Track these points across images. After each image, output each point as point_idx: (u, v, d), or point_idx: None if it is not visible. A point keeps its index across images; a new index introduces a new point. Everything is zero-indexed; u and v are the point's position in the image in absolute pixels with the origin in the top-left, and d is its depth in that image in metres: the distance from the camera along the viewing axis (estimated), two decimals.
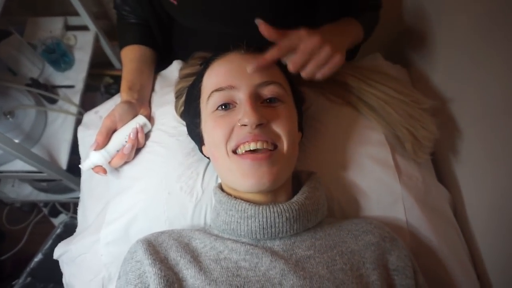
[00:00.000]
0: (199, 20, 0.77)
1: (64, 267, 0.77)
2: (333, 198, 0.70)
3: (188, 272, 0.54)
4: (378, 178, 0.70)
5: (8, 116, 1.16)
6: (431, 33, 0.85)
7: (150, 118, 0.78)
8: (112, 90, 1.58)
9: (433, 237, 0.67)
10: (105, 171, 0.71)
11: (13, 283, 1.23)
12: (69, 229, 1.20)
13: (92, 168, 0.71)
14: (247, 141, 0.55)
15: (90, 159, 0.70)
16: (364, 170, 0.71)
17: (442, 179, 0.80)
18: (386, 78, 0.77)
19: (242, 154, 0.56)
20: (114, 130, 0.72)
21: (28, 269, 1.18)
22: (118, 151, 0.71)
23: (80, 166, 0.72)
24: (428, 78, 0.86)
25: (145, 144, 0.75)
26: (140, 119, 0.74)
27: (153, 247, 0.56)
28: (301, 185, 0.64)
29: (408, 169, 0.71)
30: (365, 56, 0.90)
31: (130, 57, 0.83)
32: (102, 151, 0.70)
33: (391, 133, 0.72)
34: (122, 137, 0.71)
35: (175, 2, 0.73)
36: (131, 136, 0.71)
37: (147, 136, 0.76)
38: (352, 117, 0.75)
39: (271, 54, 0.58)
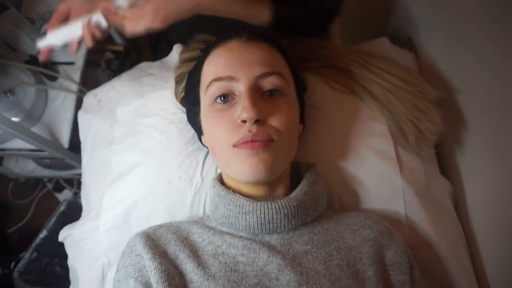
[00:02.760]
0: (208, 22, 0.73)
1: (68, 250, 0.78)
2: (333, 190, 0.70)
3: (187, 267, 0.54)
4: (379, 171, 0.69)
5: (8, 94, 1.15)
6: (441, 15, 0.81)
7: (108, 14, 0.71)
8: (113, 66, 1.54)
9: (432, 231, 0.67)
10: (51, 52, 0.72)
11: (20, 256, 1.27)
12: (72, 207, 1.22)
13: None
14: (247, 142, 0.54)
15: (46, 39, 0.71)
16: (365, 162, 0.70)
17: (445, 170, 0.79)
18: (392, 66, 0.74)
19: (241, 144, 0.55)
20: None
21: (33, 245, 1.21)
22: (70, 39, 0.70)
23: (36, 43, 0.72)
24: (436, 64, 0.83)
25: (143, 129, 0.74)
26: (96, 15, 0.69)
27: (152, 241, 0.57)
28: (300, 177, 0.64)
29: (410, 162, 0.70)
30: (372, 40, 0.87)
31: None
32: (56, 32, 0.70)
33: (395, 125, 0.71)
34: (75, 26, 0.70)
35: None
36: (82, 25, 0.68)
37: (145, 120, 0.75)
38: (354, 107, 0.74)
39: None
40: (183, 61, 0.75)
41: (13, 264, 1.27)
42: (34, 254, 1.22)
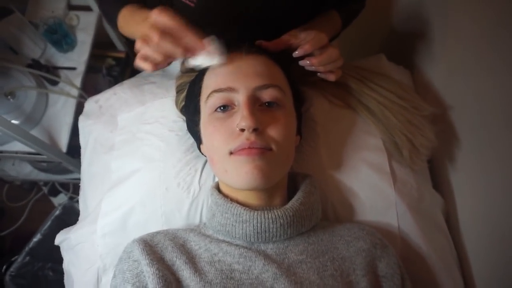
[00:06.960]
0: (216, 22, 0.74)
1: (64, 254, 0.79)
2: (327, 201, 0.71)
3: (184, 273, 0.55)
4: (373, 183, 0.71)
5: (9, 97, 1.16)
6: (436, 35, 0.84)
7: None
8: (114, 72, 1.56)
9: (423, 243, 0.69)
10: None
11: (13, 259, 1.27)
12: (68, 211, 1.22)
13: None
14: (244, 148, 0.55)
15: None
16: (360, 175, 0.71)
17: (437, 185, 0.80)
18: (389, 82, 0.76)
19: (239, 151, 0.56)
20: None
21: (27, 248, 1.21)
22: None
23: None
24: (431, 81, 0.86)
25: (143, 136, 0.75)
26: None
27: (150, 247, 0.57)
28: (297, 187, 0.65)
29: (404, 176, 0.72)
30: (369, 56, 0.89)
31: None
32: None
33: (389, 139, 0.73)
34: None
35: (192, 4, 0.70)
36: None
37: (146, 127, 0.76)
38: (351, 121, 0.75)
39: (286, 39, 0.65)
40: (184, 72, 0.77)
41: (4, 267, 1.26)
42: (27, 258, 1.21)
